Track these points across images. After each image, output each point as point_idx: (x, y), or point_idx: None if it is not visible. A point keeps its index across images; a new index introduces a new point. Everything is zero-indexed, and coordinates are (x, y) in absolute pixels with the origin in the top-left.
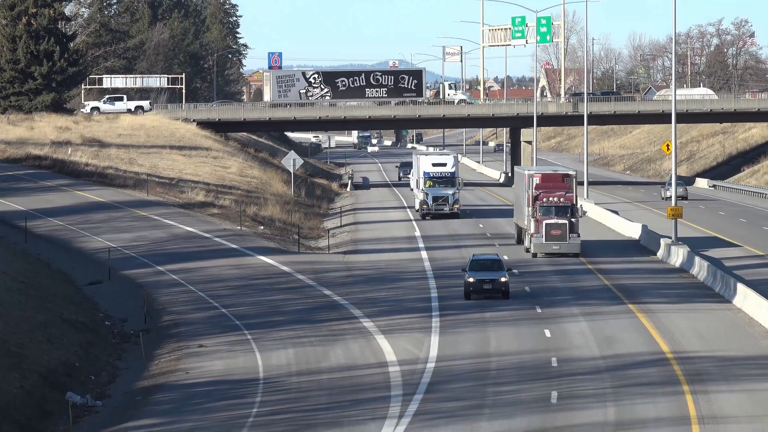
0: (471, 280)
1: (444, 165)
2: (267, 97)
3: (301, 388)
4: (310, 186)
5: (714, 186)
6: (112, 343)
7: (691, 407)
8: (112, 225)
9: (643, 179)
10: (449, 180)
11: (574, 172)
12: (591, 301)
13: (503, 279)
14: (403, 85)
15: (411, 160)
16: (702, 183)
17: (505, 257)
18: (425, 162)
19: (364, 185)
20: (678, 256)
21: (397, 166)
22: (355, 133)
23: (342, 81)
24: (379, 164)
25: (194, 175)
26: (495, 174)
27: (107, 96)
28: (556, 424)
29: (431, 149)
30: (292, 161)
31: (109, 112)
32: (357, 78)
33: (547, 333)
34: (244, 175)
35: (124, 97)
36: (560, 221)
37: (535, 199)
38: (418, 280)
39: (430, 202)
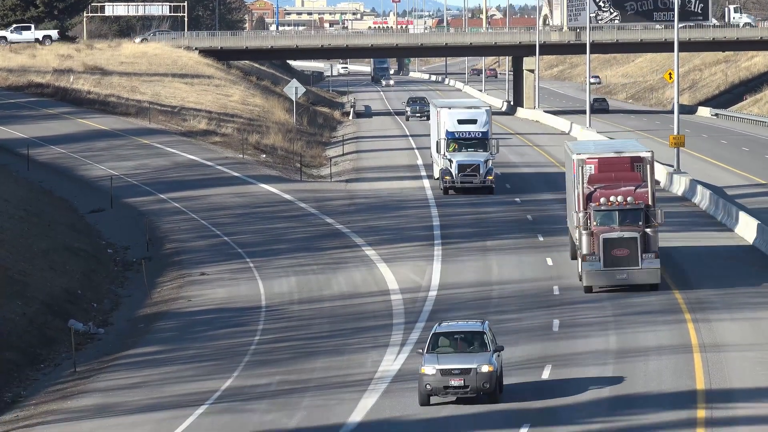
0: (429, 372)
1: (473, 122)
2: (557, 20)
3: (303, 316)
4: (312, 114)
5: (716, 115)
6: (115, 271)
7: (692, 335)
8: (114, 153)
9: (645, 108)
10: (480, 142)
11: (649, 153)
12: None
13: (485, 369)
14: (689, 9)
15: (422, 96)
16: (704, 112)
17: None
18: (448, 117)
19: (367, 114)
20: (680, 184)
21: (403, 102)
22: (373, 63)
23: (630, 5)
24: (382, 93)
25: (196, 103)
26: (498, 102)
27: (14, 25)
28: (558, 351)
29: (433, 77)
30: (294, 89)
31: (17, 41)
32: (645, 2)
33: (549, 261)
34: (246, 104)
35: (32, 26)
36: (627, 234)
37: (588, 198)
38: (420, 208)
39: (454, 171)
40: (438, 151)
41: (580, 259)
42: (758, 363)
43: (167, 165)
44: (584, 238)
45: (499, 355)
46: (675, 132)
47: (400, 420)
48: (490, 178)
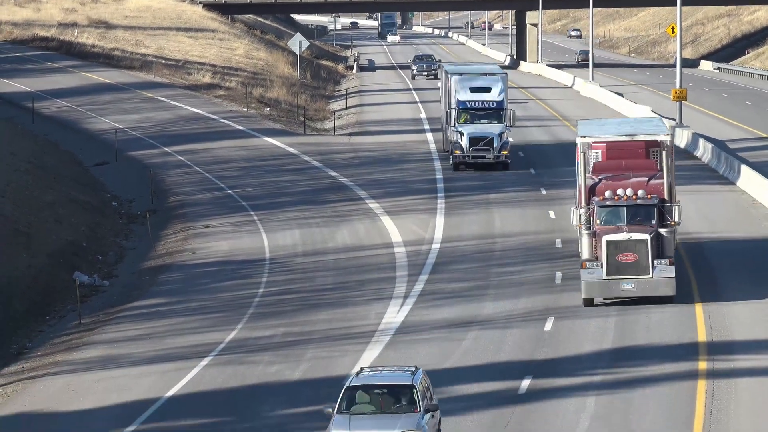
0: None
1: (487, 90)
2: None
3: (306, 268)
4: (316, 68)
5: (719, 69)
6: (119, 224)
7: (694, 288)
8: (118, 106)
9: (648, 62)
10: (495, 113)
11: (667, 136)
12: None
13: None
14: None
15: (429, 53)
16: (707, 66)
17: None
18: (460, 85)
19: (370, 68)
20: (682, 138)
21: (409, 60)
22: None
23: None
24: (385, 47)
25: (200, 57)
26: (500, 56)
27: None
28: (560, 304)
29: (436, 32)
30: (298, 43)
31: None
32: None
33: (552, 214)
34: (251, 57)
35: None
36: (636, 236)
37: (592, 191)
38: (423, 161)
39: (465, 145)
40: (448, 122)
41: (581, 265)
42: (758, 315)
43: (171, 118)
44: (585, 240)
45: (432, 416)
46: (677, 86)
47: None
48: (505, 152)
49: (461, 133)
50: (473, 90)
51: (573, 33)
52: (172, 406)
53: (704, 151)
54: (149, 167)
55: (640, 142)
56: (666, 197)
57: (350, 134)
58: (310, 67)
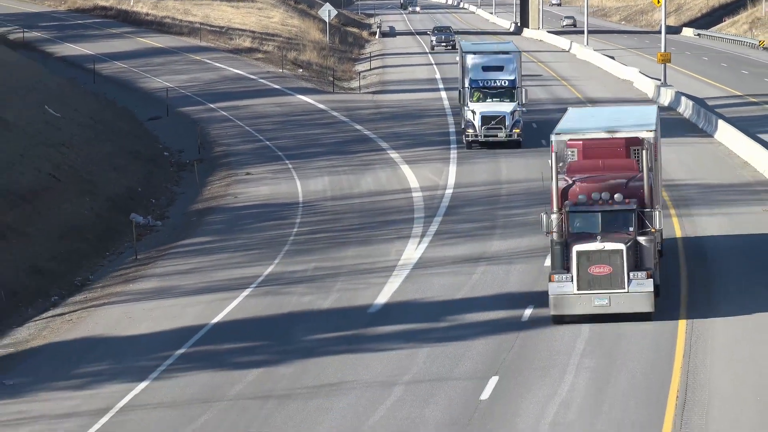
0: None
1: (500, 69)
2: None
3: (335, 210)
4: (343, 34)
5: (699, 35)
6: (170, 172)
7: (677, 227)
8: (169, 68)
9: (636, 28)
10: (507, 91)
11: (651, 133)
12: None
13: None
14: None
15: (447, 25)
16: (688, 32)
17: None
18: (473, 64)
19: (391, 33)
20: (666, 96)
21: (428, 32)
22: None
23: None
24: (405, 16)
25: (241, 24)
26: (506, 24)
27: None
28: None
29: (450, 1)
30: (327, 12)
31: None
32: None
33: (551, 164)
34: (285, 24)
35: None
36: (610, 247)
37: (564, 193)
38: (438, 117)
39: (477, 124)
40: (462, 100)
41: (549, 278)
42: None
43: (216, 78)
44: (556, 249)
45: None
46: (662, 50)
47: (420, 301)
48: (517, 131)
49: (473, 112)
50: (486, 69)
51: (554, 1)
52: (217, 331)
53: (685, 108)
54: (196, 121)
55: (620, 140)
56: (647, 201)
57: (373, 92)
58: (338, 33)
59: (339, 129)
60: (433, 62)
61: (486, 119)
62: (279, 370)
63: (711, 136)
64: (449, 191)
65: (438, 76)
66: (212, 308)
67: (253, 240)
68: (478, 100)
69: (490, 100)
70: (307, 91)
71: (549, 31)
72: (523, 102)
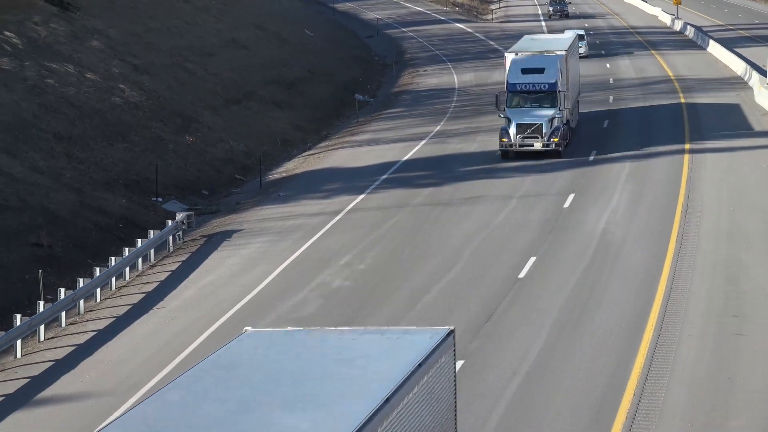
0: None
1: (540, 71)
2: None
3: (477, 93)
4: None
5: None
6: (378, 68)
7: (682, 100)
8: (378, 6)
9: None
10: (547, 96)
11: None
12: (631, 49)
13: None
14: None
15: None
16: None
17: None
18: (512, 65)
19: None
20: (677, 25)
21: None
22: None
23: None
24: None
25: None
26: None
27: None
28: (613, 107)
29: None
30: None
31: None
32: None
33: (608, 65)
34: None
35: None
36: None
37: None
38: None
39: (512, 131)
40: (497, 106)
41: None
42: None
43: (405, 13)
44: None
45: None
46: None
47: None
48: (555, 140)
49: (509, 120)
50: (525, 71)
51: None
52: (406, 165)
53: (690, 32)
54: (395, 39)
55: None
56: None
57: (501, 22)
58: None
59: (479, 44)
60: (537, 3)
61: (521, 128)
62: (443, 188)
63: (705, 49)
64: None
65: (540, 11)
66: (404, 151)
67: (427, 110)
68: (516, 106)
69: (528, 105)
70: (461, 20)
71: None
72: (564, 107)
